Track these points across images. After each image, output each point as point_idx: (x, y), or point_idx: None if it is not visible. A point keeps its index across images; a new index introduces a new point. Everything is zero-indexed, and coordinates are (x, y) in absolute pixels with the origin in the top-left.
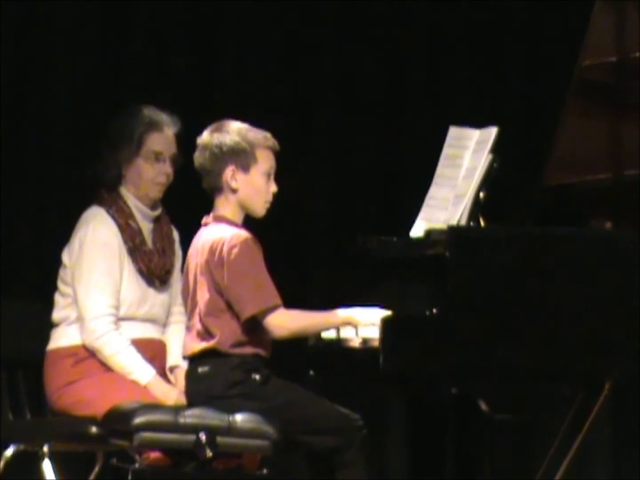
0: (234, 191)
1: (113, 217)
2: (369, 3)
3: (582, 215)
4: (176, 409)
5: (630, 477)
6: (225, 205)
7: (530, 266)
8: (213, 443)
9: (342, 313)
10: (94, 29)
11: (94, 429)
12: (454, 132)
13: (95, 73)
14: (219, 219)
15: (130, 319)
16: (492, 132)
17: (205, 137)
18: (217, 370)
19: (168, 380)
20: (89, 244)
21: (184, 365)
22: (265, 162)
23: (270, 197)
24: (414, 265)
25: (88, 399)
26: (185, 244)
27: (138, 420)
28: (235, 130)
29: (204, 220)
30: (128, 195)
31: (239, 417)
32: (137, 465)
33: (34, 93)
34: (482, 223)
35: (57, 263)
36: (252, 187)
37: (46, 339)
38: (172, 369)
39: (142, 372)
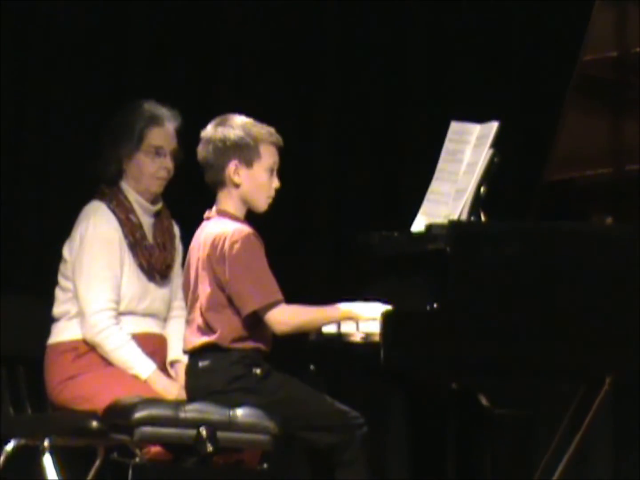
0: (237, 186)
1: (113, 212)
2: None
3: (583, 210)
4: (177, 404)
5: (630, 473)
6: (228, 200)
7: (531, 261)
8: (213, 438)
9: (342, 308)
10: (94, 24)
11: (94, 424)
12: (455, 127)
13: (95, 68)
14: (221, 214)
15: (130, 314)
16: (493, 127)
17: (209, 130)
18: (217, 365)
19: (168, 375)
20: (90, 238)
21: (185, 359)
22: (268, 157)
23: (272, 193)
24: (414, 260)
25: (89, 394)
26: (186, 238)
27: (138, 414)
28: (239, 125)
29: (206, 214)
30: (129, 189)
31: (240, 412)
32: (137, 460)
33: (34, 87)
34: (482, 218)
35: (57, 258)
36: (255, 182)
37: (47, 333)
38: (172, 364)
39: (142, 366)
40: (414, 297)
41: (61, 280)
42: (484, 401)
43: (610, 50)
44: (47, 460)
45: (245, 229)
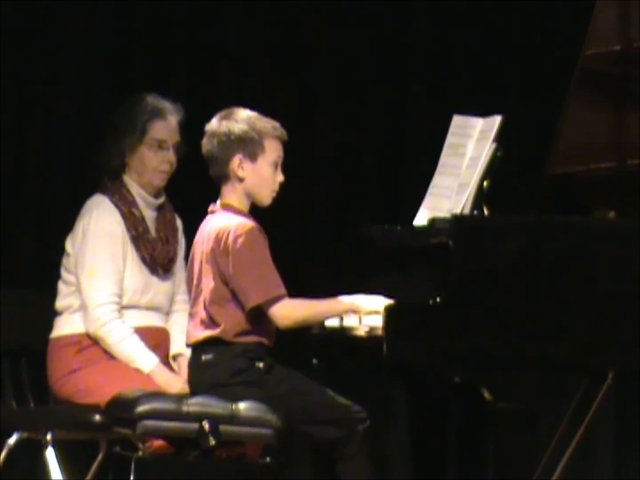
0: (241, 180)
1: (116, 205)
2: None
3: (585, 204)
4: (179, 397)
5: (633, 467)
6: (232, 194)
7: (534, 255)
8: (216, 431)
9: (345, 300)
10: (97, 18)
11: (97, 417)
12: (457, 120)
13: (98, 61)
14: (225, 208)
15: (133, 307)
16: (496, 121)
17: (214, 123)
18: (220, 359)
19: (171, 369)
20: (92, 232)
21: (188, 353)
22: (273, 151)
23: (276, 187)
24: (417, 254)
25: (91, 387)
26: (189, 232)
27: (141, 408)
28: (244, 119)
29: (210, 208)
30: (131, 183)
31: (242, 406)
32: (140, 453)
33: (37, 82)
34: (485, 212)
35: (60, 251)
36: (259, 176)
37: (49, 327)
38: (175, 357)
39: (145, 360)
40: (416, 290)
41: (64, 273)
42: (486, 395)
43: (613, 44)
44: (50, 454)
45: (249, 223)
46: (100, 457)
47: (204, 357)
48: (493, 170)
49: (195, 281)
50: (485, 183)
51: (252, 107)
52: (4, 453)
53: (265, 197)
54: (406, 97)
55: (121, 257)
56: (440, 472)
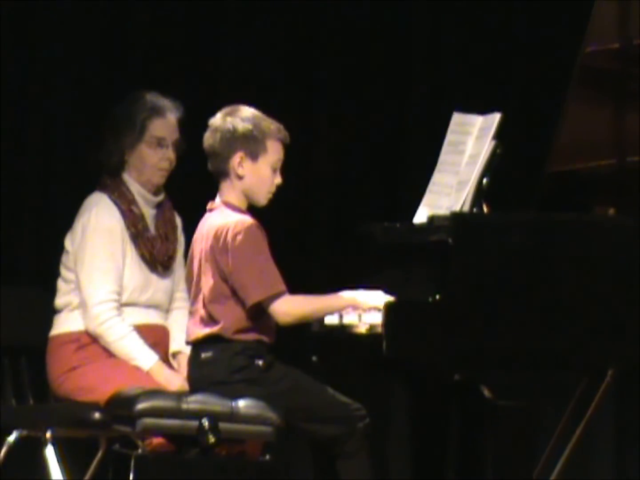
0: (240, 177)
1: (116, 203)
2: None
3: (585, 201)
4: (179, 395)
5: (633, 464)
6: (230, 191)
7: (533, 253)
8: (216, 429)
9: (346, 296)
10: (96, 16)
11: (96, 415)
12: (457, 118)
13: (97, 59)
14: (224, 205)
15: (132, 305)
16: (496, 118)
17: (218, 119)
18: (220, 356)
19: (171, 366)
20: (92, 229)
21: (187, 351)
22: (274, 153)
23: (274, 189)
24: (417, 252)
25: (91, 385)
26: (188, 229)
27: (141, 406)
28: (249, 117)
29: (209, 205)
30: (131, 181)
31: (242, 403)
32: (139, 451)
33: (36, 79)
34: (485, 209)
35: (59, 249)
36: (258, 176)
37: (49, 325)
38: (174, 355)
39: (144, 357)
40: (416, 288)
41: (63, 271)
42: (486, 393)
43: (613, 42)
44: (49, 452)
45: (247, 220)
46: (99, 454)
47: (203, 355)
48: (492, 167)
49: (194, 279)
50: (484, 180)
51: (252, 105)
52: (3, 451)
53: (262, 197)
54: (406, 94)
55: (120, 255)
56: (440, 470)
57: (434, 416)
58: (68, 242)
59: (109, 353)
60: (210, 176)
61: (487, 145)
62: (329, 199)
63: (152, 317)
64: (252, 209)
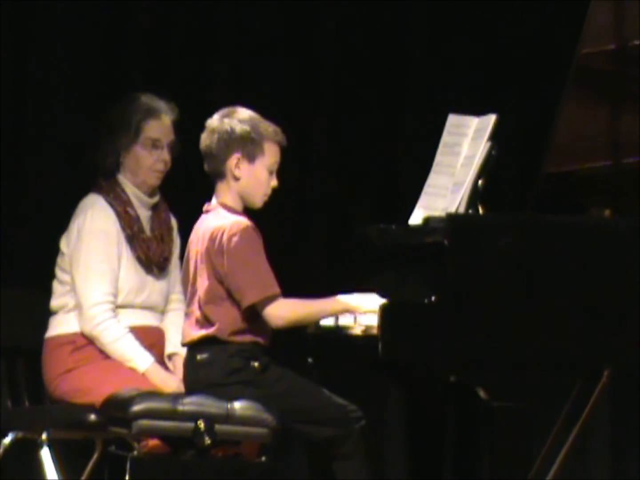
0: (236, 179)
1: (111, 205)
2: None
3: (581, 202)
4: (175, 397)
5: (628, 466)
6: (226, 192)
7: (529, 254)
8: (212, 431)
9: (340, 301)
10: (93, 17)
11: (92, 417)
12: (452, 119)
13: (93, 60)
14: (220, 206)
15: (128, 307)
16: (491, 119)
17: (216, 120)
18: (216, 358)
19: (167, 368)
20: (87, 231)
21: (183, 352)
22: (271, 156)
23: (269, 191)
24: (412, 253)
25: (86, 387)
26: (183, 231)
27: (136, 407)
28: (247, 119)
29: (205, 207)
30: (126, 182)
31: (238, 405)
32: (135, 452)
33: (33, 81)
34: (480, 211)
35: (55, 251)
36: (255, 178)
37: (45, 326)
38: (170, 357)
39: (140, 359)
40: (412, 289)
41: (59, 273)
42: (481, 394)
43: (609, 43)
44: (45, 453)
45: (243, 221)
46: (95, 456)
47: (199, 357)
48: (488, 169)
49: (190, 280)
50: (480, 182)
51: (248, 106)
52: None
53: (257, 199)
54: (402, 96)
55: (116, 257)
56: (436, 471)
57: (430, 417)
58: (63, 244)
59: (104, 355)
60: (206, 178)
61: (482, 147)
62: (324, 201)
63: (147, 319)
64: (248, 211)
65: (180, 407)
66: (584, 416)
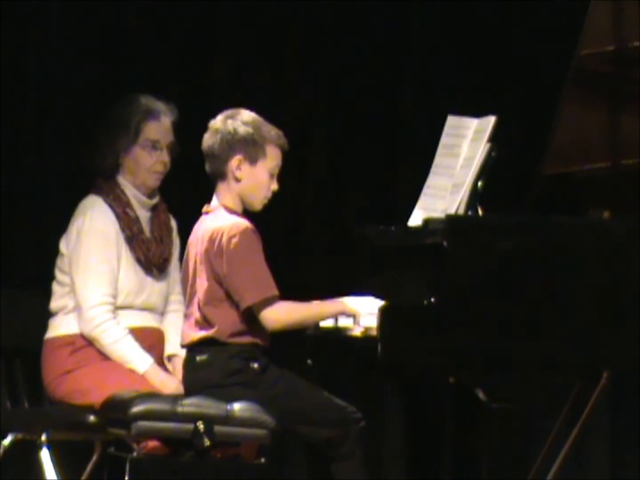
0: (237, 180)
1: (110, 206)
2: None
3: (580, 204)
4: (174, 398)
5: (628, 467)
6: (227, 193)
7: (528, 255)
8: (211, 432)
9: (336, 303)
10: (92, 18)
11: (91, 418)
12: (452, 121)
13: (93, 62)
14: (220, 207)
15: (128, 308)
16: (491, 121)
17: (219, 121)
18: (215, 359)
19: (166, 369)
20: (87, 232)
21: (182, 354)
22: (272, 159)
23: (269, 195)
24: (412, 255)
25: (86, 388)
26: (183, 232)
27: (136, 409)
28: (250, 122)
29: (205, 208)
30: (125, 183)
31: (237, 406)
32: (135, 454)
33: (32, 82)
34: (480, 212)
35: (55, 252)
36: (255, 180)
37: (44, 328)
38: (170, 358)
39: (139, 360)
40: (411, 291)
41: (58, 274)
42: (480, 395)
43: (608, 44)
44: (44, 455)
45: (243, 223)
46: (94, 458)
47: (198, 358)
48: (487, 170)
49: (190, 281)
50: (479, 183)
51: (247, 107)
52: None
53: (257, 202)
54: (401, 97)
55: (115, 258)
56: (434, 473)
57: (429, 419)
58: (63, 245)
59: (104, 356)
60: (205, 179)
61: (482, 148)
62: (324, 202)
63: (147, 320)
64: (247, 212)
65: (179, 409)
66: (583, 418)
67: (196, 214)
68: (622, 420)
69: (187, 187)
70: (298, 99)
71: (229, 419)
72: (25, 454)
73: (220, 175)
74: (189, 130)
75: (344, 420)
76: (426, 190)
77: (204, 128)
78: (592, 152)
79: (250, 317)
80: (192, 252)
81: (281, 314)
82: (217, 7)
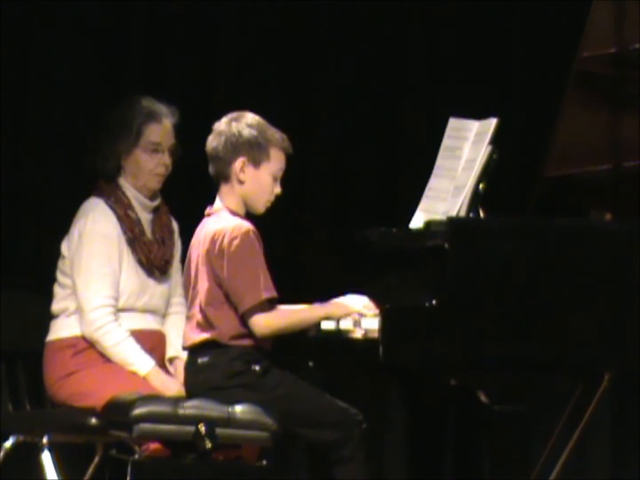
0: (241, 182)
1: (112, 208)
2: None
3: (581, 206)
4: (175, 400)
5: (629, 469)
6: (229, 195)
7: (530, 257)
8: (212, 434)
9: (324, 306)
10: (93, 19)
11: (93, 420)
12: (453, 123)
13: (94, 63)
14: (222, 209)
15: (129, 310)
16: (492, 123)
17: (223, 123)
18: (216, 361)
19: (167, 372)
20: (88, 235)
21: (184, 356)
22: (276, 162)
23: (272, 198)
24: (413, 257)
25: (87, 390)
26: (184, 234)
27: (137, 411)
28: (254, 124)
29: (207, 210)
30: (127, 186)
31: (239, 408)
32: (136, 456)
33: (34, 84)
34: (481, 214)
35: (56, 254)
36: (259, 183)
37: (46, 330)
38: (171, 360)
39: (141, 363)
40: (412, 293)
41: (60, 276)
42: (482, 397)
43: (609, 47)
44: (46, 457)
45: (245, 225)
46: (96, 460)
47: (200, 360)
48: (489, 172)
49: (191, 283)
50: (481, 185)
51: (249, 109)
52: (0, 456)
53: (260, 205)
54: (402, 99)
55: (117, 260)
56: (437, 475)
57: (431, 421)
58: (64, 248)
59: (105, 358)
60: (207, 181)
61: (483, 150)
62: (325, 205)
63: (148, 322)
64: (250, 214)
65: (181, 411)
66: (585, 420)
67: (198, 216)
68: (623, 422)
69: (189, 190)
70: (301, 99)
71: (230, 421)
72: (27, 456)
73: (223, 177)
74: (191, 133)
75: (345, 422)
76: (428, 192)
77: (207, 131)
78: (594, 154)
79: None
80: (194, 253)
81: (269, 319)
82: (222, 8)
